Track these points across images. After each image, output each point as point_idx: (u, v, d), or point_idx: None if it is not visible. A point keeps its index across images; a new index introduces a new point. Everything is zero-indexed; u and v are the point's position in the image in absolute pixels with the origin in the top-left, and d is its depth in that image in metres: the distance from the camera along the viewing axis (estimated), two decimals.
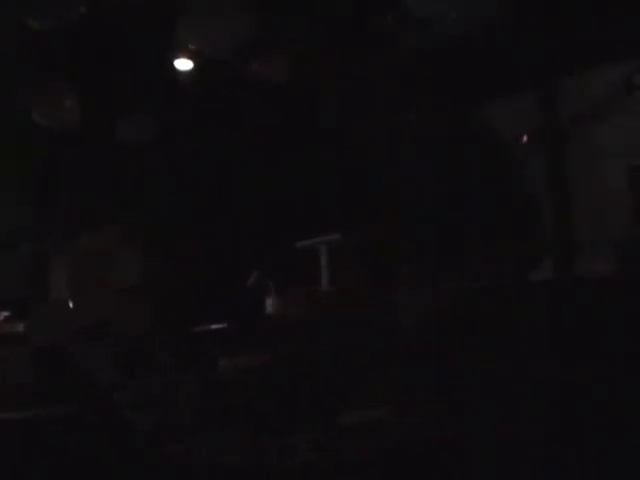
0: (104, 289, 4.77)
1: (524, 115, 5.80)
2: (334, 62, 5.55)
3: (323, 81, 5.71)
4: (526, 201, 2.79)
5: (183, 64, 6.38)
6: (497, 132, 3.00)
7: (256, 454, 2.59)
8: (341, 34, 5.46)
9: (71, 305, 4.79)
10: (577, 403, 2.20)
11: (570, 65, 5.55)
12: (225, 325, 4.90)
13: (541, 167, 5.65)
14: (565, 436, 2.20)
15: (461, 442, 2.31)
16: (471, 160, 2.73)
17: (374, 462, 2.45)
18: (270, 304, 5.03)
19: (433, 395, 2.55)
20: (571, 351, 2.24)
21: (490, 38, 4.89)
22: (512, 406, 2.26)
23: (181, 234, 6.09)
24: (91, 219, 5.46)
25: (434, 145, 2.87)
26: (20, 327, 5.03)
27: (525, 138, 5.75)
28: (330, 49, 5.51)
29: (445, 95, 2.99)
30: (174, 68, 6.29)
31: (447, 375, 2.43)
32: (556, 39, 5.28)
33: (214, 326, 4.93)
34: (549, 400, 2.24)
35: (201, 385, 3.01)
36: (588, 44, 5.20)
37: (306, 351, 2.99)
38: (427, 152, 2.87)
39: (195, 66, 6.33)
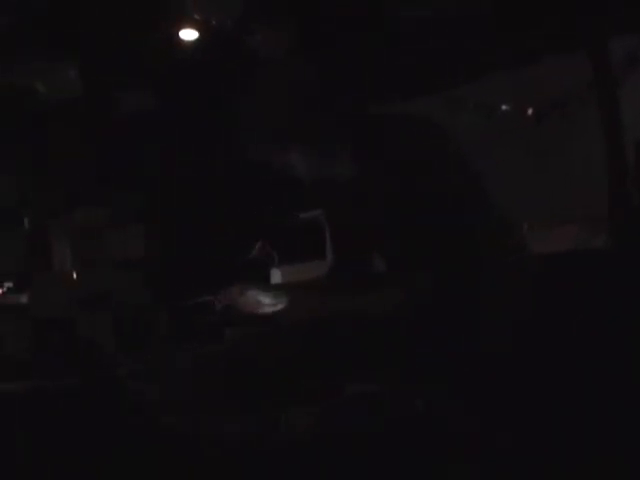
0: (106, 261, 4.75)
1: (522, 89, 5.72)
2: None
3: None
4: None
5: (188, 34, 6.21)
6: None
7: (259, 424, 2.56)
8: None
9: (74, 276, 4.76)
10: None
11: None
12: None
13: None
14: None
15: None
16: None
17: (376, 434, 2.41)
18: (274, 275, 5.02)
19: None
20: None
21: None
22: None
23: (183, 208, 6.04)
24: (86, 196, 5.42)
25: None
26: (22, 299, 5.01)
27: (530, 111, 5.70)
28: None
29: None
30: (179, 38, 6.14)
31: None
32: None
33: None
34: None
35: (201, 357, 2.98)
36: None
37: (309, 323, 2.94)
38: None
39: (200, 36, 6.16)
